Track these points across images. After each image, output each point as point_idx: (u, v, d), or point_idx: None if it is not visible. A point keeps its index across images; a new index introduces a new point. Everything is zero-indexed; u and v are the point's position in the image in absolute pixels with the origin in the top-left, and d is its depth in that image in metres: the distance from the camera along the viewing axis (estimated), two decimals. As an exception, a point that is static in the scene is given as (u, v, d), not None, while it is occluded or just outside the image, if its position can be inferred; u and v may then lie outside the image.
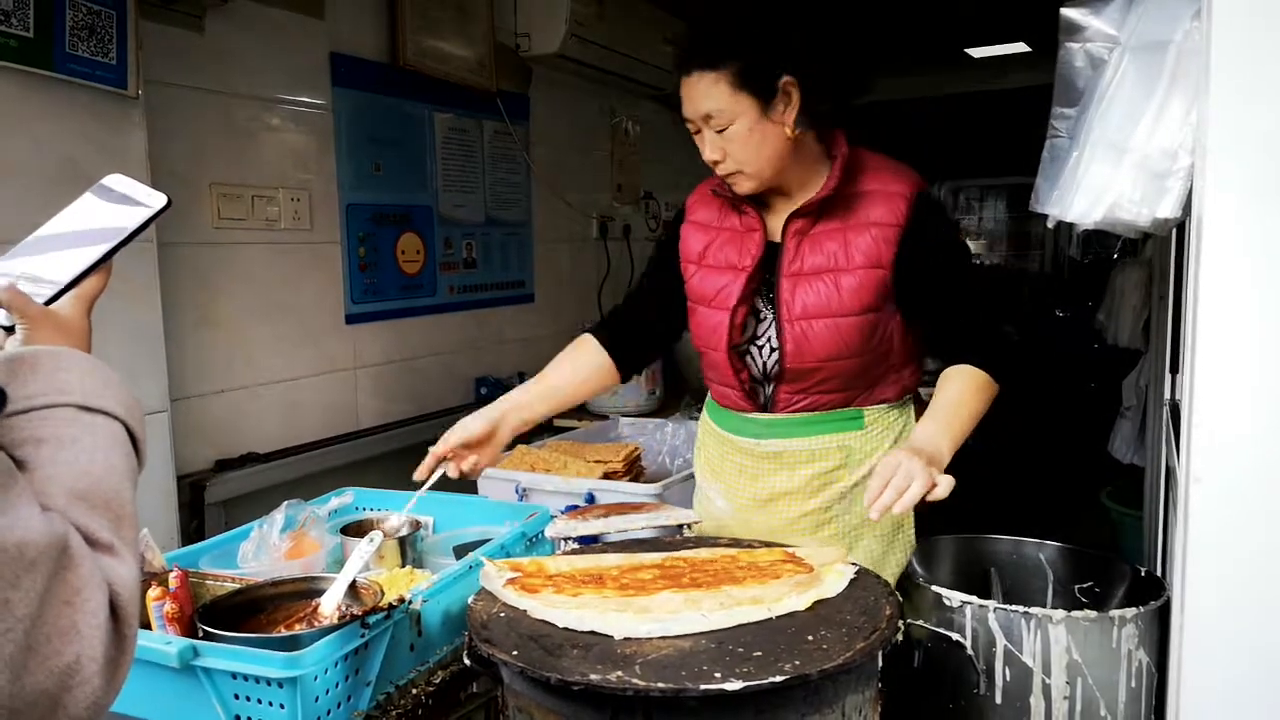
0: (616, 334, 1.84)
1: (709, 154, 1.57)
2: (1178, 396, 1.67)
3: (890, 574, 1.65)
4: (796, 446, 1.70)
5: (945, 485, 1.36)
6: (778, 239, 1.65)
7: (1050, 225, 1.33)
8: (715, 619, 1.15)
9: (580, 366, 1.82)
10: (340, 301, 2.88)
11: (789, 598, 1.20)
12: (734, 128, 1.52)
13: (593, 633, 1.13)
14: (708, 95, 1.51)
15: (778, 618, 1.17)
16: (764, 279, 1.66)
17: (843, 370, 1.64)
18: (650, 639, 1.11)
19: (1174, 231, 1.67)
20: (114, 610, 0.65)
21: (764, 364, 1.69)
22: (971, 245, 7.34)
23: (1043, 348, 4.76)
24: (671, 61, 1.64)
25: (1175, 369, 1.76)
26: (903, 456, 1.39)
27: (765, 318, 1.68)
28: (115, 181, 0.92)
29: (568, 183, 3.89)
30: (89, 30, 1.97)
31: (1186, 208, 1.15)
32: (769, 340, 1.67)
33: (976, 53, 5.55)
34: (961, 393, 1.55)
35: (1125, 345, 3.42)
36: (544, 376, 1.81)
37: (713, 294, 1.68)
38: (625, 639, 1.11)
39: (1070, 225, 1.27)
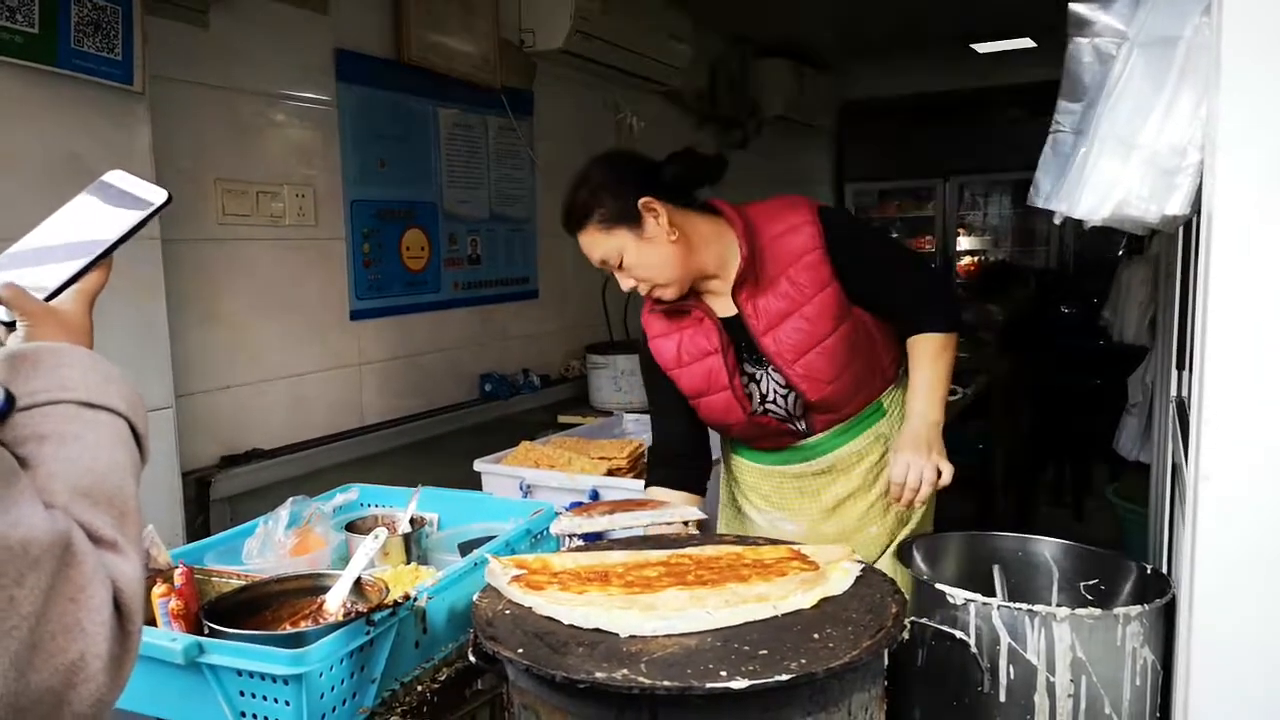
0: (669, 471, 1.91)
1: (624, 286, 1.76)
2: (1184, 393, 1.67)
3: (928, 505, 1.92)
4: (845, 452, 1.89)
5: (947, 475, 1.67)
6: (733, 312, 1.79)
7: (1057, 222, 1.32)
8: (721, 617, 1.14)
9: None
10: (345, 298, 2.88)
11: (795, 595, 1.19)
12: (626, 258, 1.70)
13: (598, 630, 1.13)
14: (592, 246, 1.73)
15: (783, 616, 1.17)
16: (740, 348, 1.82)
17: (852, 380, 1.81)
18: (656, 637, 1.11)
19: (1181, 228, 1.66)
20: (118, 607, 0.65)
21: (787, 409, 1.85)
22: (977, 241, 7.33)
23: (1048, 344, 4.74)
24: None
25: (1181, 365, 1.75)
26: (908, 456, 1.68)
27: (760, 378, 1.84)
28: (116, 178, 0.91)
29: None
30: (94, 26, 1.97)
31: (1195, 204, 1.14)
32: (774, 390, 1.84)
33: (982, 48, 5.54)
34: (931, 363, 1.77)
35: (1131, 342, 3.40)
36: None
37: (704, 383, 1.82)
38: (631, 637, 1.11)
39: (1077, 221, 1.26)
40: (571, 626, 1.14)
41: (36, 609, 0.59)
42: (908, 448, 1.69)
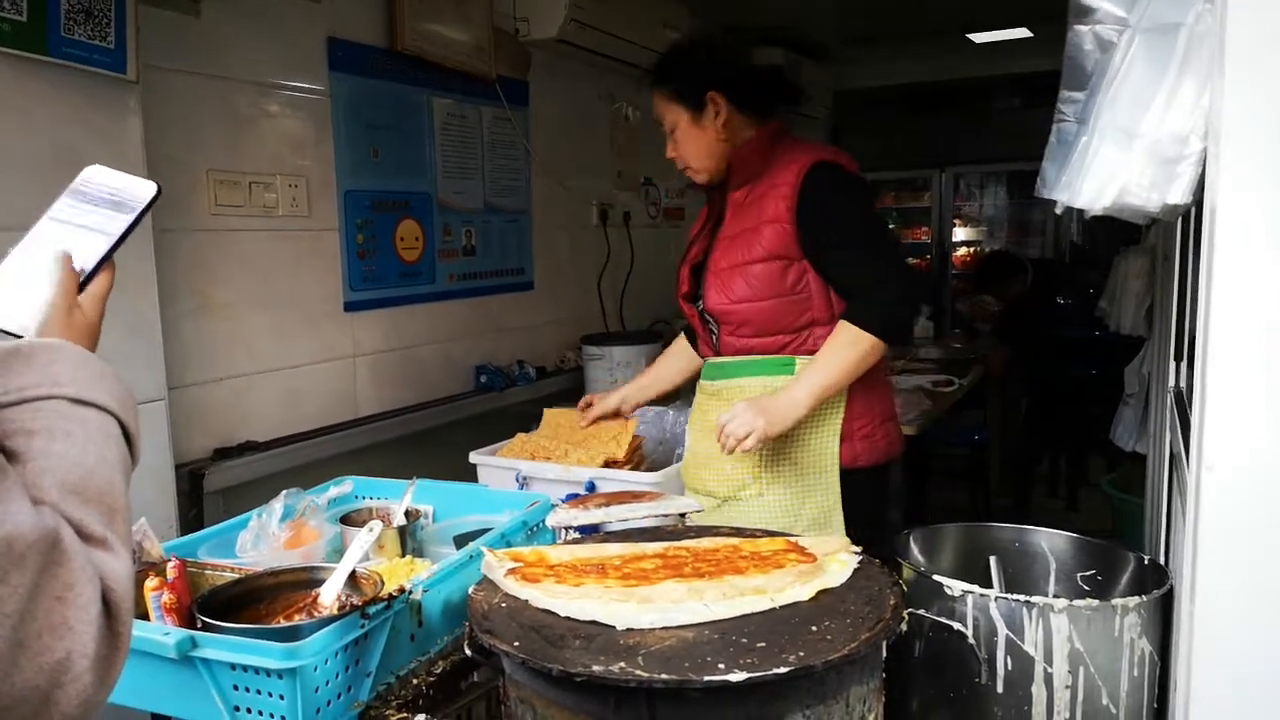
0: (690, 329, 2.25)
1: (668, 153, 2.00)
2: (1181, 384, 1.66)
3: (809, 514, 1.92)
4: (734, 384, 1.99)
5: (749, 443, 1.74)
6: None
7: (1058, 211, 1.31)
8: (718, 609, 1.14)
9: (677, 355, 2.32)
10: (339, 289, 2.86)
11: (792, 587, 1.19)
12: (677, 131, 1.95)
13: (595, 623, 1.12)
14: (659, 107, 1.97)
15: (781, 608, 1.16)
16: (713, 243, 2.02)
17: (761, 312, 1.91)
18: (653, 630, 1.10)
19: (1179, 218, 1.65)
20: (107, 605, 0.64)
21: (706, 310, 2.01)
22: (973, 232, 7.31)
23: (1044, 334, 4.74)
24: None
25: (1179, 356, 1.75)
26: (742, 408, 1.77)
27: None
28: (99, 174, 0.90)
29: (567, 169, 3.86)
30: (85, 14, 1.94)
31: (1195, 194, 1.13)
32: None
33: (978, 38, 5.52)
34: (837, 350, 1.81)
35: (1128, 332, 3.40)
36: (654, 368, 2.36)
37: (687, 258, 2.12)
38: (628, 629, 1.10)
39: (1078, 212, 1.25)
40: (568, 619, 1.14)
41: (21, 607, 0.58)
42: (753, 404, 1.78)
